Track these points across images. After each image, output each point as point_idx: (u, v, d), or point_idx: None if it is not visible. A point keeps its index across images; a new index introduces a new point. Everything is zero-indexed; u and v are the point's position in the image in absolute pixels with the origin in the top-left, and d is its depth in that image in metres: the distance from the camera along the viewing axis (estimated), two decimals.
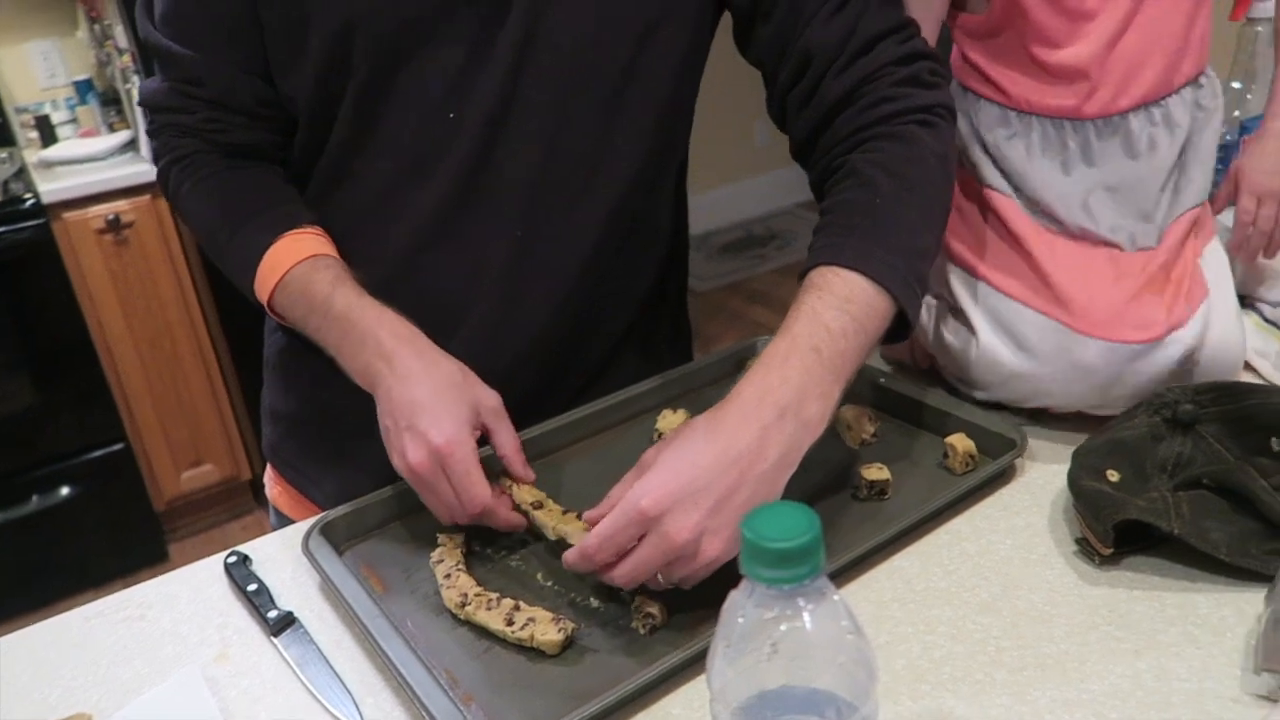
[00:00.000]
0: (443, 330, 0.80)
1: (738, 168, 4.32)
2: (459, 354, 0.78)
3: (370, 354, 0.76)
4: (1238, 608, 0.64)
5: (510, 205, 0.83)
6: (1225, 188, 1.00)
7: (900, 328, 0.74)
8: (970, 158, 0.89)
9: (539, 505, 0.75)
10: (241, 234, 0.84)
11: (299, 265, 0.81)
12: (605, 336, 0.94)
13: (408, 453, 0.71)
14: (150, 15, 0.86)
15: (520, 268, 0.85)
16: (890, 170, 0.76)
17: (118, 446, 2.49)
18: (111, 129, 2.73)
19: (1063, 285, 0.82)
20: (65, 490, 2.47)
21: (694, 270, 3.96)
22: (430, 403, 0.72)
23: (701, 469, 0.61)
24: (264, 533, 0.84)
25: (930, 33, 0.88)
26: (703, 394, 0.96)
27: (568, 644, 0.65)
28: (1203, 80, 0.85)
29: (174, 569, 0.80)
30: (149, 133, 0.90)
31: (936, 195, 0.79)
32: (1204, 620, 0.63)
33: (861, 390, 0.91)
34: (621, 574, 0.63)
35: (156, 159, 0.90)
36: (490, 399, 0.76)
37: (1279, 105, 0.97)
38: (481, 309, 0.86)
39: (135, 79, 2.22)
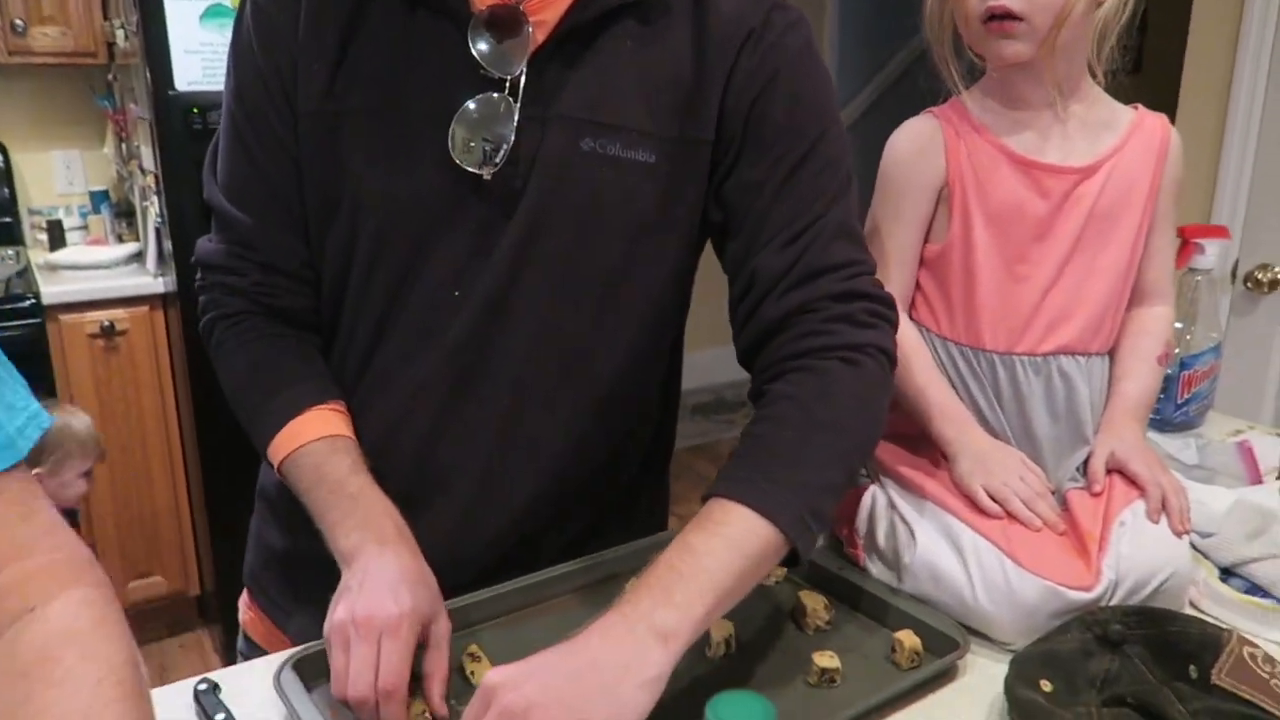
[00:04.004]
0: (421, 502, 0.84)
1: (714, 332, 4.45)
2: (436, 525, 0.82)
3: (371, 536, 0.79)
4: None
5: (500, 386, 0.88)
6: (1096, 472, 0.99)
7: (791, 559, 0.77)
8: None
9: None
10: (274, 399, 0.89)
11: (318, 441, 0.86)
12: (586, 511, 0.98)
13: (354, 607, 0.73)
14: (215, 178, 0.93)
15: (505, 447, 0.89)
16: (802, 404, 0.80)
17: None
18: (120, 240, 2.83)
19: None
20: None
21: None
22: (394, 583, 0.75)
23: (548, 659, 0.66)
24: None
25: (899, 277, 0.98)
26: None
27: None
28: None
29: None
30: (200, 287, 0.96)
31: (847, 433, 0.81)
32: None
33: (819, 579, 0.97)
34: None
35: (203, 312, 0.95)
36: (445, 624, 0.78)
37: (1119, 406, 1.02)
38: (464, 484, 0.90)
39: (154, 198, 2.32)
